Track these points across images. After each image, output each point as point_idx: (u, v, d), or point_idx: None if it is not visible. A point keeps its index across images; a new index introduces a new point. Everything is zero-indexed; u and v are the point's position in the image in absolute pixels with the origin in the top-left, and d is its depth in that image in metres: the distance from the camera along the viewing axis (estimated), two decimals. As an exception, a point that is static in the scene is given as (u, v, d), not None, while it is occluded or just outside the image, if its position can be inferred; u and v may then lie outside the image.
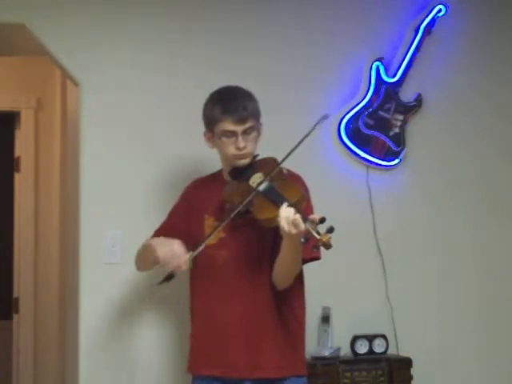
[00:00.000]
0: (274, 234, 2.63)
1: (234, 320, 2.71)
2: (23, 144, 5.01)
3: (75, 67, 3.36)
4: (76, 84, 3.41)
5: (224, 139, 2.73)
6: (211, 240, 2.74)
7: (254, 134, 2.74)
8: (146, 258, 2.85)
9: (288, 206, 2.47)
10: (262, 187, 2.62)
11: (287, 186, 2.63)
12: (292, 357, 2.75)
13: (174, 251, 2.61)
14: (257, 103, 2.77)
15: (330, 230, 2.40)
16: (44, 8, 3.31)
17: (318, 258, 2.68)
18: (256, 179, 2.67)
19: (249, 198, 2.59)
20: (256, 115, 2.76)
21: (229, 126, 2.70)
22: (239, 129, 2.70)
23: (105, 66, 3.37)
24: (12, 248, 5.09)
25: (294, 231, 2.44)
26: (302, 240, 2.44)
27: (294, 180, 2.75)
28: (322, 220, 2.43)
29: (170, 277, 2.63)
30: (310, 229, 2.42)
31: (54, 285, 4.87)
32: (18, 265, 5.00)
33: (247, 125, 2.71)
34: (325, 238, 2.39)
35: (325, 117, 2.72)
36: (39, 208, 4.96)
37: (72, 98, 4.02)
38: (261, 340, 2.70)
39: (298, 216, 2.44)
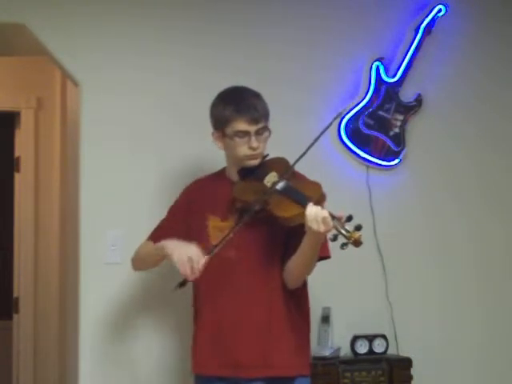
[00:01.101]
0: (287, 234, 2.64)
1: (244, 320, 2.69)
2: (23, 144, 5.01)
3: (75, 67, 3.36)
4: (76, 84, 3.41)
5: (236, 139, 2.72)
6: (216, 241, 2.74)
7: (265, 134, 2.75)
8: (150, 258, 2.84)
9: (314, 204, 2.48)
10: (279, 186, 2.62)
11: (304, 184, 2.64)
12: (300, 356, 2.75)
13: (191, 256, 2.58)
14: (266, 104, 2.78)
15: (359, 227, 2.41)
16: (44, 8, 3.32)
17: (328, 257, 2.70)
18: (271, 178, 2.67)
19: (266, 196, 2.59)
20: (267, 116, 2.77)
21: (242, 126, 2.70)
22: (252, 129, 2.70)
23: (105, 66, 3.37)
24: (12, 248, 5.09)
25: (322, 229, 2.45)
26: (331, 237, 2.44)
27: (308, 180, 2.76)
28: (350, 218, 2.44)
29: (184, 283, 2.62)
30: (338, 226, 2.42)
31: (54, 285, 4.87)
32: (18, 265, 5.00)
33: (260, 125, 2.72)
34: (356, 236, 2.40)
35: (340, 114, 2.74)
36: (39, 208, 4.96)
37: (72, 98, 4.02)
38: (271, 339, 2.69)
39: (327, 214, 2.44)
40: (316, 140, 2.65)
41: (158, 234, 2.88)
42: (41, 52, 3.43)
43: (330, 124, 2.71)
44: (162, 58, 3.43)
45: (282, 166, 2.70)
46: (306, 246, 2.58)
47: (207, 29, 3.48)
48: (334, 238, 2.45)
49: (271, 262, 2.71)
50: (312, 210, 2.47)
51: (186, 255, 2.58)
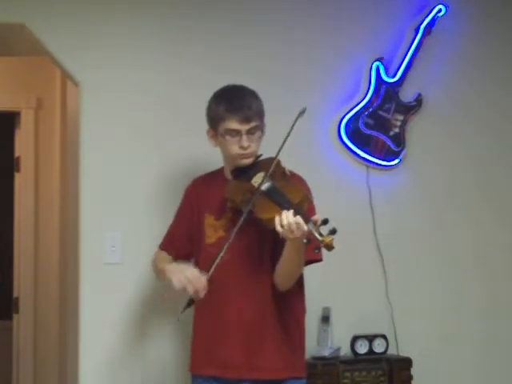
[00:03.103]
0: (275, 233, 2.63)
1: (234, 320, 2.70)
2: (23, 144, 5.01)
3: (75, 67, 3.36)
4: (76, 84, 3.41)
5: (228, 138, 2.72)
6: (210, 239, 2.74)
7: (258, 133, 2.74)
8: (161, 277, 2.83)
9: (290, 207, 2.46)
10: (264, 187, 2.61)
11: (290, 186, 2.62)
12: (291, 358, 2.74)
13: (189, 278, 2.59)
14: (261, 103, 2.77)
15: (333, 231, 2.39)
16: (44, 8, 3.32)
17: (319, 260, 2.67)
18: (258, 179, 2.66)
19: (252, 200, 2.58)
20: (260, 115, 2.75)
21: (233, 124, 2.69)
22: (243, 128, 2.69)
23: (105, 66, 3.37)
24: (12, 248, 5.09)
25: (296, 234, 2.43)
26: (304, 241, 2.43)
27: (297, 181, 2.74)
28: (325, 221, 2.41)
29: (190, 303, 2.63)
30: (313, 230, 2.40)
31: (54, 285, 4.87)
32: (18, 265, 4.99)
33: (252, 124, 2.70)
34: (327, 240, 2.37)
35: (302, 111, 2.72)
36: (39, 208, 4.96)
37: (72, 98, 4.02)
38: (260, 340, 2.70)
39: (299, 219, 2.42)
40: (286, 138, 2.64)
41: (166, 241, 2.93)
42: (41, 52, 3.43)
43: (296, 119, 2.69)
44: (162, 57, 3.43)
45: (273, 167, 2.68)
46: (287, 250, 2.57)
47: (207, 28, 3.48)
48: (308, 242, 2.43)
49: (261, 263, 2.71)
50: (283, 218, 2.44)
51: (186, 278, 2.59)
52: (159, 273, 2.85)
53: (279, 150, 2.65)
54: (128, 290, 3.31)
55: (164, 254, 2.90)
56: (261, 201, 2.59)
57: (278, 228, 2.45)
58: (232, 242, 2.63)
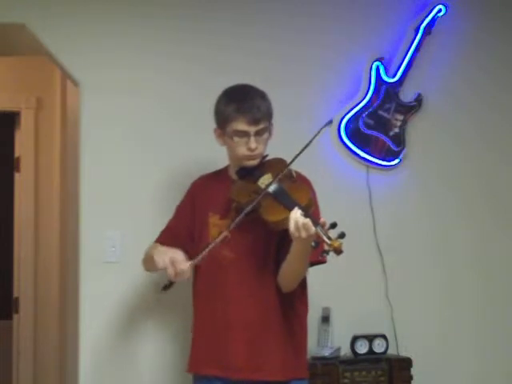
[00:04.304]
0: (280, 236, 2.62)
1: (237, 320, 2.69)
2: (23, 144, 5.01)
3: (75, 67, 3.36)
4: (76, 84, 3.41)
5: (236, 139, 2.70)
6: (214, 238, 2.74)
7: (265, 135, 2.72)
8: (150, 264, 2.83)
9: (298, 209, 2.45)
10: (271, 189, 2.60)
11: (297, 188, 2.61)
12: (294, 359, 2.73)
13: (173, 259, 2.59)
14: (270, 104, 2.75)
15: (342, 235, 2.37)
16: (44, 8, 3.32)
17: (323, 262, 2.67)
18: (265, 180, 2.65)
19: (257, 200, 2.57)
20: (269, 116, 2.73)
21: (242, 126, 2.68)
22: (252, 130, 2.67)
23: (105, 66, 3.38)
24: (12, 248, 5.09)
25: (303, 235, 2.42)
26: (313, 244, 2.41)
27: (303, 182, 2.73)
28: (333, 225, 2.40)
29: (169, 285, 2.63)
30: (321, 233, 2.39)
31: (54, 285, 4.88)
32: (18, 265, 5.00)
33: (260, 126, 2.68)
34: (336, 244, 2.35)
35: (329, 122, 2.72)
36: (39, 208, 4.96)
37: (72, 98, 4.02)
38: (263, 342, 2.68)
39: (308, 220, 2.41)
40: (306, 146, 2.62)
41: (164, 235, 2.91)
42: (41, 52, 3.44)
43: (321, 130, 2.69)
44: (162, 57, 3.43)
45: (280, 168, 2.67)
46: (293, 251, 2.56)
47: (207, 28, 3.48)
48: (316, 245, 2.41)
49: (265, 263, 2.70)
50: (293, 217, 2.44)
51: (169, 259, 2.60)
52: (148, 260, 2.84)
53: (295, 157, 2.62)
54: (127, 289, 3.31)
55: (157, 245, 2.88)
56: (267, 203, 2.58)
57: (292, 227, 2.44)
58: (237, 240, 2.64)
